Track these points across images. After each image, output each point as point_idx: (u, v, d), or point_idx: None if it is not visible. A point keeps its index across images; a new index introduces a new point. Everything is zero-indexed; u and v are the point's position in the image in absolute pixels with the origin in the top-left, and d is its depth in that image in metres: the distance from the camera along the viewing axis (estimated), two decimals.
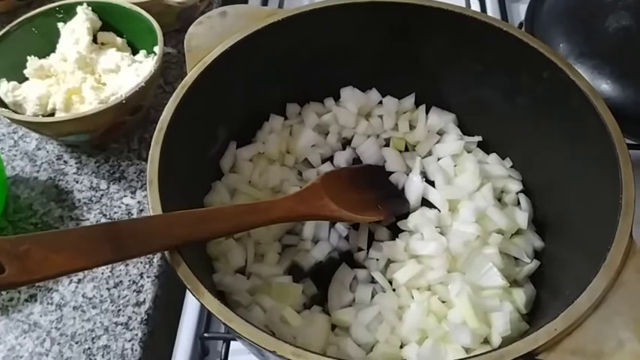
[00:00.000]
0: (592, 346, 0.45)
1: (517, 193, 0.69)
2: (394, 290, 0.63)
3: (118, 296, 0.66)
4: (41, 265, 0.41)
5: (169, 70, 0.87)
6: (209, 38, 0.65)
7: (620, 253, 0.48)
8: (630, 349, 0.44)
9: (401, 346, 0.58)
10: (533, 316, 0.60)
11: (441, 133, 0.75)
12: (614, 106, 0.70)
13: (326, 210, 0.62)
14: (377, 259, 0.66)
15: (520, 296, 0.60)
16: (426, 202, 0.70)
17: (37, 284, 0.66)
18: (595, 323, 0.46)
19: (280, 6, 0.96)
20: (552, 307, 0.56)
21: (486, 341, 0.57)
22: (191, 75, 0.61)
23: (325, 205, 0.62)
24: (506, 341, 0.56)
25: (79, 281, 0.67)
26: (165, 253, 0.49)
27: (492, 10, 1.00)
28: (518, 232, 0.66)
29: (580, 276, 0.51)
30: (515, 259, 0.64)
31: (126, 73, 0.76)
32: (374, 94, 0.77)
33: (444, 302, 0.60)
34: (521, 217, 0.66)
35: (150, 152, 0.55)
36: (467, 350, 0.56)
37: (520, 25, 0.93)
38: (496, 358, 0.44)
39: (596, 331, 0.45)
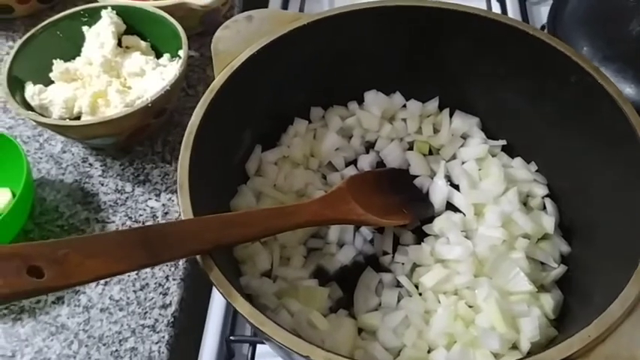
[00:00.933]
0: (625, 352, 0.44)
1: (543, 198, 0.69)
2: (420, 294, 0.63)
3: (145, 299, 0.67)
4: (78, 269, 0.41)
5: (192, 73, 0.88)
6: (236, 42, 0.65)
7: None
8: None
9: (428, 351, 0.58)
10: (561, 321, 0.60)
11: (465, 136, 0.75)
12: (637, 110, 0.70)
13: (352, 214, 0.62)
14: (402, 263, 0.66)
15: (548, 301, 0.60)
16: (450, 206, 0.70)
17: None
18: (628, 330, 0.46)
19: (301, 9, 0.96)
20: (581, 313, 0.57)
21: (514, 347, 0.57)
22: (219, 79, 0.62)
23: (352, 209, 0.62)
24: (535, 347, 0.56)
25: (106, 284, 0.68)
26: (198, 257, 0.49)
27: (513, 12, 1.00)
28: (545, 236, 0.66)
29: (610, 282, 0.51)
30: (542, 264, 0.64)
31: (151, 76, 0.76)
32: (398, 98, 0.77)
33: (471, 307, 0.60)
34: (548, 222, 0.66)
35: (180, 156, 0.56)
36: (495, 356, 0.56)
37: (542, 28, 0.93)
38: None
39: (629, 338, 0.45)
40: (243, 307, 0.47)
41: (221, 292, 0.48)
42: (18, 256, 0.39)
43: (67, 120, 0.74)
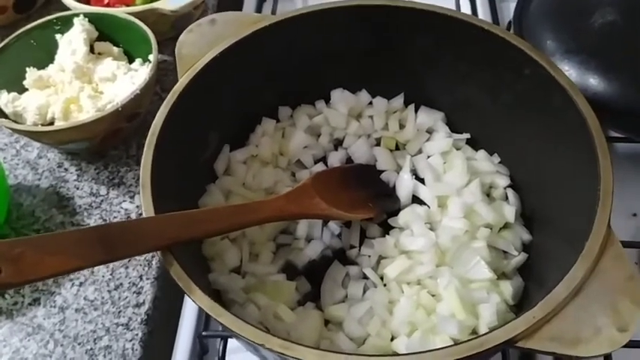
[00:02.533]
0: (570, 333, 0.46)
1: (505, 188, 0.70)
2: (385, 285, 0.64)
3: (119, 298, 0.68)
4: (36, 266, 0.43)
5: (166, 77, 0.89)
6: (199, 46, 0.67)
7: (597, 243, 0.49)
8: (607, 335, 0.45)
9: (392, 339, 0.60)
10: (520, 307, 0.62)
11: (430, 131, 0.77)
12: (601, 100, 0.72)
13: (316, 209, 0.64)
14: (369, 256, 0.67)
15: (507, 288, 0.61)
16: (416, 200, 0.72)
17: (40, 288, 0.68)
18: (573, 311, 0.47)
19: (273, 12, 0.98)
20: (537, 298, 0.58)
21: (474, 332, 0.58)
22: (181, 82, 0.63)
23: (316, 203, 0.64)
24: None
25: (81, 284, 0.69)
26: (158, 252, 0.51)
27: (482, 9, 1.02)
28: (507, 225, 0.67)
29: (562, 266, 0.53)
30: (504, 252, 0.65)
31: (122, 81, 0.78)
32: (364, 95, 0.78)
33: (433, 296, 0.62)
34: (509, 211, 0.67)
35: (143, 156, 0.57)
36: (455, 341, 0.57)
37: (509, 24, 0.95)
38: (476, 345, 0.45)
39: (574, 319, 0.47)
40: (201, 299, 0.48)
41: (181, 286, 0.49)
42: None
43: (40, 126, 0.75)
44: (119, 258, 0.50)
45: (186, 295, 0.72)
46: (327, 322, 0.63)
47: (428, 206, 0.70)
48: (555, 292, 0.47)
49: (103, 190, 0.77)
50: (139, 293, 0.69)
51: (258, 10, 1.05)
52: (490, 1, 1.02)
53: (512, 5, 1.02)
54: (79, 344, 0.65)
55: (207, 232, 0.55)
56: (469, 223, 0.65)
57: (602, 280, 0.48)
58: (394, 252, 0.66)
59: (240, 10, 1.06)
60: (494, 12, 1.01)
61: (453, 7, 0.95)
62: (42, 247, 0.44)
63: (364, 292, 0.65)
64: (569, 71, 0.77)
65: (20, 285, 0.44)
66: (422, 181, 0.72)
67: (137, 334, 0.66)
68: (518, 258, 0.64)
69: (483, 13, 1.01)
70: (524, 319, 0.46)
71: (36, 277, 0.43)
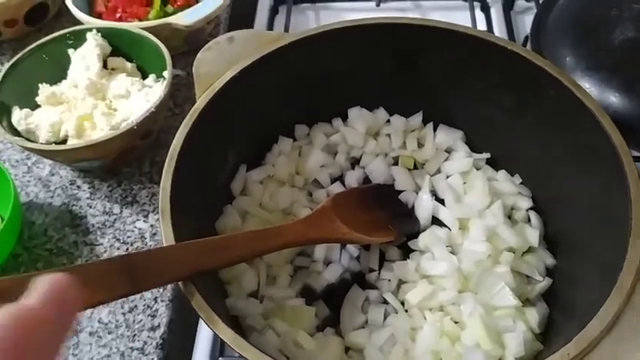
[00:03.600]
0: None
1: (527, 210, 0.69)
2: (406, 311, 0.63)
3: (133, 321, 0.67)
4: None
5: (178, 92, 0.88)
6: (217, 64, 0.65)
7: (631, 275, 0.48)
8: None
9: None
10: (546, 335, 0.60)
11: (449, 150, 0.76)
12: (622, 119, 0.70)
13: (337, 233, 0.62)
14: (388, 280, 0.66)
15: (533, 316, 0.60)
16: (436, 221, 0.70)
17: None
18: (608, 346, 0.46)
19: (286, 29, 0.97)
20: (566, 327, 0.57)
21: None
22: (200, 101, 0.62)
23: (337, 227, 0.63)
24: None
25: (95, 307, 0.68)
26: (180, 283, 0.50)
27: (498, 23, 1.00)
28: (530, 249, 0.66)
29: (592, 296, 0.52)
30: (527, 277, 0.64)
31: (136, 98, 0.77)
32: (381, 113, 0.77)
33: (456, 323, 0.60)
34: (532, 235, 0.66)
35: (162, 181, 0.56)
36: None
37: (525, 39, 0.93)
38: None
39: (609, 354, 0.45)
40: (224, 332, 0.47)
41: (202, 318, 0.48)
42: None
43: (53, 144, 0.74)
44: (144, 290, 0.49)
45: (201, 319, 0.73)
46: (347, 349, 0.62)
47: (448, 228, 0.68)
48: (590, 327, 0.46)
49: (116, 209, 0.76)
50: (154, 316, 0.67)
51: (270, 23, 1.04)
52: (506, 16, 1.01)
53: (529, 19, 1.01)
54: None
55: (230, 260, 0.54)
56: (492, 247, 0.64)
57: (637, 314, 0.47)
58: (415, 276, 0.65)
59: (252, 23, 1.05)
60: (509, 26, 1.00)
61: (469, 22, 0.94)
62: None
63: (385, 317, 0.63)
64: (590, 89, 0.76)
65: None
66: (441, 201, 0.71)
67: (152, 359, 0.64)
68: (543, 283, 0.63)
69: (499, 28, 0.99)
70: (559, 356, 0.45)
71: None
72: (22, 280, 0.36)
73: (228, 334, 0.47)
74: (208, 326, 0.48)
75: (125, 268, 0.46)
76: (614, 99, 0.76)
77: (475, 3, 1.01)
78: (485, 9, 1.03)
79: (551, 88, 0.62)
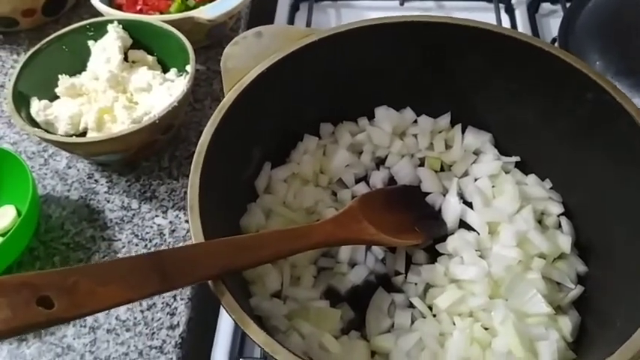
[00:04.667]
0: None
1: (558, 216, 0.67)
2: (434, 316, 0.62)
3: (152, 319, 0.65)
4: (90, 298, 0.40)
5: (199, 87, 0.87)
6: (245, 59, 0.64)
7: None
8: None
9: None
10: (579, 344, 0.59)
11: (477, 153, 0.74)
12: None
13: (365, 234, 0.61)
14: (415, 284, 0.64)
15: (566, 324, 0.58)
16: (463, 225, 0.69)
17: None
18: None
19: (308, 24, 0.95)
20: (601, 337, 0.55)
21: None
22: (228, 97, 0.61)
23: (364, 228, 0.61)
24: None
25: None
26: (210, 282, 0.48)
27: (523, 25, 0.99)
28: (561, 256, 0.65)
29: (631, 305, 0.50)
30: (558, 284, 0.62)
31: (158, 92, 0.75)
32: (408, 113, 0.76)
33: (486, 329, 0.59)
34: (564, 241, 0.64)
35: (190, 177, 0.55)
36: None
37: (553, 42, 0.92)
38: None
39: None
40: (257, 335, 0.46)
41: (234, 319, 0.46)
42: (27, 286, 0.38)
43: (73, 136, 0.73)
44: (174, 288, 0.47)
45: (220, 318, 0.71)
46: (373, 353, 0.60)
47: (477, 232, 0.67)
48: (634, 340, 0.44)
49: (134, 204, 0.75)
50: (172, 314, 0.66)
51: (291, 20, 1.03)
52: (530, 17, 1.00)
53: (554, 21, 1.00)
54: None
55: (258, 259, 0.53)
56: (522, 253, 0.62)
57: None
58: (443, 281, 0.63)
59: (272, 19, 1.04)
60: (534, 28, 0.98)
61: (494, 23, 0.92)
62: (95, 277, 0.41)
63: (412, 322, 0.62)
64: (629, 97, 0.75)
65: (73, 319, 0.41)
66: (469, 205, 0.69)
67: (171, 358, 0.63)
68: (575, 291, 0.61)
69: (523, 30, 0.98)
70: None
71: (90, 311, 0.40)
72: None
73: (260, 337, 0.45)
74: (240, 327, 0.46)
75: (156, 265, 0.44)
76: None
77: (500, 5, 1.00)
78: (510, 11, 1.01)
79: (589, 91, 0.61)
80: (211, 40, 0.89)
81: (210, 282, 0.48)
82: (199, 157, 0.56)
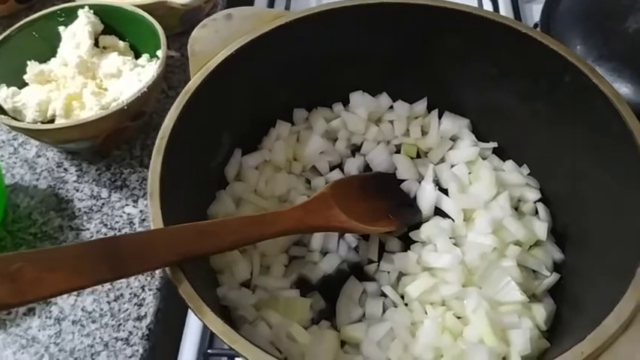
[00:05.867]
0: None
1: (535, 202, 0.66)
2: (406, 305, 0.60)
3: (119, 310, 0.64)
4: (34, 285, 0.38)
5: (172, 74, 0.85)
6: (213, 42, 0.62)
7: None
8: None
9: None
10: (553, 332, 0.57)
11: (454, 139, 0.73)
12: (634, 110, 0.68)
13: (336, 221, 0.59)
14: (388, 272, 0.63)
15: (540, 312, 0.57)
16: (439, 212, 0.67)
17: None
18: (624, 345, 0.43)
19: (287, 8, 0.94)
20: (574, 324, 0.54)
21: None
22: (194, 81, 0.59)
23: (335, 215, 0.59)
24: None
25: (79, 294, 0.65)
26: (167, 269, 0.46)
27: (505, 11, 0.97)
28: (537, 243, 0.63)
29: (605, 293, 0.49)
30: (534, 272, 0.61)
31: (128, 77, 0.73)
32: (384, 99, 0.74)
33: (459, 318, 0.57)
34: (540, 228, 0.63)
35: (151, 162, 0.53)
36: None
37: (535, 26, 0.90)
38: None
39: (626, 354, 0.43)
40: (214, 323, 0.44)
41: (190, 308, 0.45)
42: None
43: (40, 124, 0.71)
44: (126, 275, 0.46)
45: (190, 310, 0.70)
46: (343, 343, 0.59)
47: (452, 219, 0.65)
48: (605, 325, 0.43)
49: (104, 193, 0.73)
50: (140, 305, 0.64)
51: (271, 3, 1.01)
52: (513, 2, 0.98)
53: (536, 7, 0.99)
54: (75, 359, 0.61)
55: (221, 245, 0.51)
56: (498, 240, 0.61)
57: None
58: (416, 269, 0.62)
59: (252, 3, 1.02)
60: (517, 13, 0.97)
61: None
62: (41, 263, 0.39)
63: (383, 311, 0.60)
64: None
65: (17, 306, 0.39)
66: (445, 191, 0.68)
67: (137, 350, 0.61)
68: (550, 279, 0.60)
69: (506, 14, 0.96)
70: (572, 355, 0.42)
71: (34, 297, 0.38)
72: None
73: (217, 325, 0.44)
74: (196, 316, 0.44)
75: (106, 251, 0.43)
76: (626, 89, 0.74)
77: None
78: None
79: (567, 74, 0.59)
80: (186, 26, 0.87)
81: (167, 269, 0.46)
82: (162, 142, 0.54)
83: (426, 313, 0.59)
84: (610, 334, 0.43)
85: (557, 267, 0.62)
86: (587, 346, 0.42)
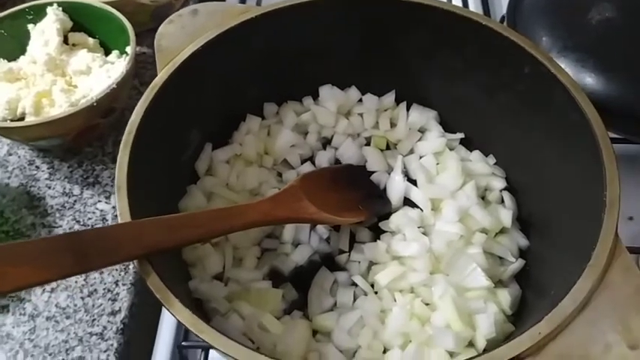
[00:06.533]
0: (578, 349, 0.43)
1: (501, 191, 0.67)
2: (376, 293, 0.61)
3: (93, 305, 0.64)
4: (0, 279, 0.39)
5: (145, 70, 0.85)
6: (180, 38, 0.63)
7: (605, 253, 0.47)
8: (617, 353, 0.42)
9: (384, 351, 0.57)
10: (518, 316, 0.59)
11: (422, 130, 0.74)
12: (598, 100, 0.69)
13: (305, 212, 0.60)
14: (358, 262, 0.64)
15: (505, 297, 0.58)
16: (408, 202, 0.68)
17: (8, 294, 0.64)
18: (581, 326, 0.44)
19: (258, 3, 0.94)
20: (538, 308, 0.55)
21: (471, 344, 0.55)
22: (161, 76, 0.59)
23: (304, 207, 0.60)
24: (491, 344, 0.55)
25: (52, 290, 0.65)
26: (135, 262, 0.47)
27: (474, 3, 0.99)
28: (503, 230, 0.65)
29: (565, 276, 0.50)
30: (500, 258, 0.63)
31: (97, 74, 0.74)
32: (353, 92, 0.75)
33: (427, 305, 0.59)
34: (506, 216, 0.64)
35: (118, 157, 0.53)
36: (451, 354, 0.54)
37: (502, 19, 0.92)
38: None
39: (583, 334, 0.44)
40: (181, 313, 0.45)
41: (158, 298, 0.45)
42: None
43: (9, 122, 0.71)
44: (92, 269, 0.46)
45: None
46: (315, 332, 0.60)
47: (421, 209, 0.67)
48: (562, 306, 0.44)
49: (76, 190, 0.73)
50: (114, 300, 0.65)
51: (242, 0, 1.01)
52: None
53: (505, 0, 0.99)
54: (50, 355, 0.61)
55: (189, 238, 0.52)
56: (464, 228, 0.62)
57: (611, 293, 0.45)
58: (386, 258, 0.63)
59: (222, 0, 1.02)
60: (485, 6, 0.98)
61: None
62: (4, 258, 0.40)
63: (354, 300, 0.61)
64: (566, 69, 0.74)
65: None
66: (414, 182, 0.69)
67: (112, 345, 0.62)
68: (516, 265, 0.62)
69: (475, 8, 0.98)
70: (529, 335, 0.43)
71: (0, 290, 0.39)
72: None
73: (185, 315, 0.44)
74: (164, 307, 0.45)
75: (72, 245, 0.43)
76: (590, 80, 0.75)
77: None
78: None
79: (526, 65, 0.60)
80: (157, 22, 0.85)
81: (135, 262, 0.47)
82: (129, 137, 0.54)
83: (395, 300, 0.60)
84: (567, 315, 0.44)
85: (522, 253, 0.64)
86: (544, 327, 0.43)
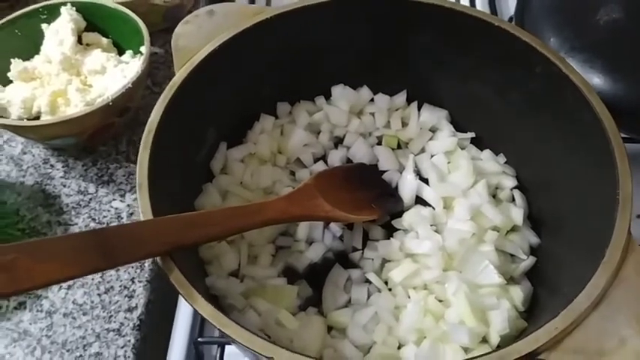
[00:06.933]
0: (593, 344, 0.44)
1: (512, 189, 0.68)
2: (390, 290, 0.62)
3: (110, 302, 0.65)
4: (28, 274, 0.40)
5: (157, 70, 0.86)
6: (197, 38, 0.63)
7: (618, 250, 0.48)
8: (632, 347, 0.43)
9: (399, 347, 0.58)
10: (530, 313, 0.60)
11: (433, 129, 0.75)
12: (606, 100, 0.70)
13: (320, 210, 0.61)
14: (372, 259, 0.65)
15: (517, 293, 0.59)
16: (420, 200, 0.69)
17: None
18: (596, 321, 0.45)
19: (268, 4, 0.95)
20: (550, 304, 0.56)
21: (485, 340, 0.56)
22: (179, 75, 0.60)
23: (319, 205, 0.61)
24: (505, 340, 0.56)
25: (69, 287, 0.66)
26: (158, 258, 0.48)
27: (481, 4, 0.99)
28: (514, 228, 0.66)
29: (578, 273, 0.51)
30: (511, 255, 0.64)
31: (112, 74, 0.74)
32: (365, 92, 0.76)
33: (440, 301, 0.60)
34: (517, 214, 0.65)
35: (139, 155, 0.54)
36: (465, 350, 0.55)
37: (510, 19, 0.93)
38: (497, 359, 0.43)
39: (598, 329, 0.45)
40: (204, 308, 0.46)
41: (182, 294, 0.46)
42: None
43: (25, 120, 0.72)
44: (117, 265, 0.47)
45: (180, 300, 0.71)
46: (330, 329, 0.61)
47: (432, 207, 0.67)
48: (577, 302, 0.45)
49: (91, 188, 0.74)
50: (130, 297, 0.66)
51: (252, 1, 1.02)
52: None
53: (512, 1, 1.01)
54: (68, 351, 0.62)
55: (208, 236, 0.53)
56: (476, 226, 0.63)
57: (625, 289, 0.46)
58: (399, 255, 0.64)
59: (233, 1, 1.03)
60: (492, 7, 0.99)
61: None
62: (35, 254, 0.40)
63: (368, 296, 0.62)
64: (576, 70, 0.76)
65: (12, 295, 0.41)
66: (425, 181, 0.70)
67: (129, 340, 0.63)
68: (527, 262, 0.63)
69: (482, 7, 0.98)
70: (545, 331, 0.44)
71: (29, 287, 0.40)
72: None
73: (207, 310, 0.45)
74: (187, 302, 0.46)
75: (98, 242, 0.44)
76: (597, 80, 0.76)
77: None
78: None
79: (538, 65, 0.61)
80: (169, 23, 0.88)
81: (158, 258, 0.48)
82: (149, 136, 0.55)
83: (409, 297, 0.61)
84: (582, 310, 0.45)
85: (533, 251, 0.65)
86: (560, 322, 0.44)
